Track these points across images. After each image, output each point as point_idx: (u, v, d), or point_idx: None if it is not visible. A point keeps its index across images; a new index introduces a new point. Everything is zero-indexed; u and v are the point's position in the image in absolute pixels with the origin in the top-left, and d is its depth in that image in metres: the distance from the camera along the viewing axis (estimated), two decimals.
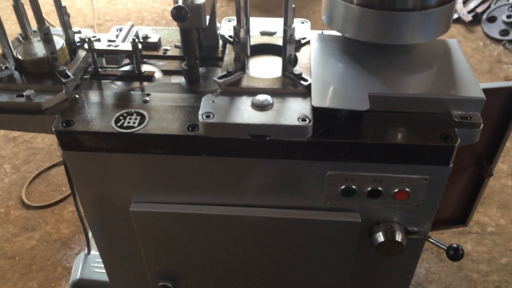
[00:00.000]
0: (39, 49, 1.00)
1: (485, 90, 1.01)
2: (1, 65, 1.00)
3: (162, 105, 0.95)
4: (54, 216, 1.99)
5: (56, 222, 1.96)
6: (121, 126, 0.90)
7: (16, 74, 0.99)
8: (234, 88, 0.94)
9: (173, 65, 1.09)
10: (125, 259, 1.18)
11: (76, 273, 1.60)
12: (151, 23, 3.31)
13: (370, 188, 0.94)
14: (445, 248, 0.98)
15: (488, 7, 3.20)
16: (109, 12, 3.44)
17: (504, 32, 3.08)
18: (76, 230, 1.92)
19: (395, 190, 0.94)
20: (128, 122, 0.91)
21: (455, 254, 0.96)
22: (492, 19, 3.15)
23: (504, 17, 3.08)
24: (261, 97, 0.90)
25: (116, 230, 1.10)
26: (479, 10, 3.22)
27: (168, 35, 1.17)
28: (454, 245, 0.97)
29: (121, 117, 0.92)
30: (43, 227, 1.94)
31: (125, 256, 1.17)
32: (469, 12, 3.23)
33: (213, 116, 0.87)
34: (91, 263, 1.62)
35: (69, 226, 1.95)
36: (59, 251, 1.85)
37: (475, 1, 3.25)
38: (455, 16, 3.24)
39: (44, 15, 0.91)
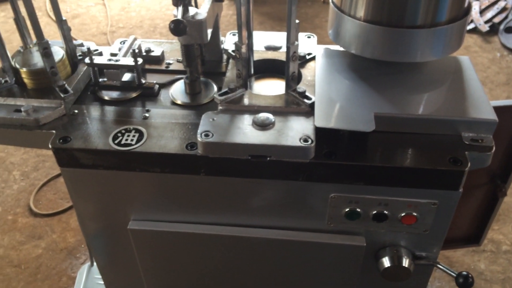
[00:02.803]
0: (39, 59, 0.99)
1: (500, 108, 0.97)
2: (1, 78, 0.99)
3: (162, 122, 0.93)
4: (61, 224, 1.98)
5: (62, 230, 1.96)
6: (119, 144, 0.88)
7: (16, 88, 0.98)
8: (235, 106, 0.91)
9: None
10: (124, 275, 1.16)
11: (80, 285, 1.58)
12: (164, 31, 3.30)
13: (375, 212, 0.90)
14: (454, 275, 0.94)
15: (506, 17, 3.13)
16: (122, 19, 3.45)
17: None
18: (82, 239, 1.91)
19: (402, 214, 0.90)
20: (126, 140, 0.88)
21: (464, 282, 0.92)
22: (509, 30, 3.07)
23: None
24: (262, 116, 0.87)
25: (115, 247, 1.08)
26: (496, 20, 3.14)
27: (172, 48, 1.15)
28: (464, 273, 0.92)
29: (119, 134, 0.90)
30: (50, 235, 1.94)
31: (124, 271, 1.15)
32: (486, 22, 3.16)
33: (212, 135, 0.84)
34: (95, 274, 1.61)
35: (75, 235, 1.94)
36: (65, 260, 1.84)
37: (492, 11, 3.18)
38: (472, 26, 3.18)
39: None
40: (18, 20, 0.98)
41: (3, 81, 0.98)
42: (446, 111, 0.88)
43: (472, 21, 3.19)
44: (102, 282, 1.41)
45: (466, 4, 0.91)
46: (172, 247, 1.02)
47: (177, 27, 0.80)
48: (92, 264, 1.62)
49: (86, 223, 1.04)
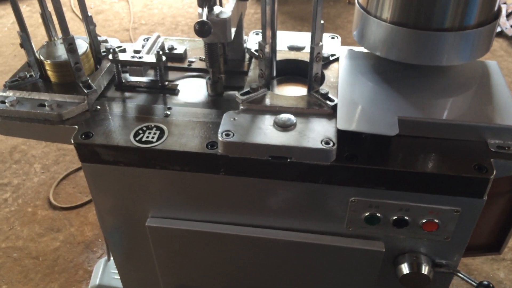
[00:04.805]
0: (63, 52, 0.99)
1: None
2: (26, 73, 1.00)
3: (183, 120, 0.93)
4: (79, 218, 2.00)
5: (80, 224, 1.98)
6: (140, 141, 0.88)
7: (40, 83, 0.99)
8: (257, 106, 0.91)
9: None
10: (140, 271, 1.17)
11: (96, 279, 1.59)
12: (185, 28, 3.32)
13: (395, 217, 0.89)
14: (475, 284, 0.92)
15: None
16: (144, 16, 3.48)
17: None
18: (99, 233, 1.93)
19: (423, 221, 0.88)
20: (147, 137, 0.89)
21: None
22: None
23: None
24: (284, 117, 0.86)
25: (132, 242, 1.09)
26: None
27: (194, 46, 1.15)
28: (485, 282, 0.90)
29: (140, 131, 0.90)
30: (68, 228, 1.96)
31: (140, 267, 1.16)
32: None
33: (233, 134, 0.84)
34: (111, 269, 1.62)
35: (93, 229, 1.96)
36: (82, 254, 1.86)
37: None
38: (498, 29, 3.11)
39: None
40: (44, 14, 0.99)
41: (28, 75, 0.99)
42: (472, 117, 0.86)
43: (498, 24, 3.13)
44: (118, 277, 1.43)
45: (496, 8, 0.89)
46: (189, 245, 1.02)
47: (202, 28, 0.80)
48: (109, 259, 1.64)
49: (104, 218, 1.05)
